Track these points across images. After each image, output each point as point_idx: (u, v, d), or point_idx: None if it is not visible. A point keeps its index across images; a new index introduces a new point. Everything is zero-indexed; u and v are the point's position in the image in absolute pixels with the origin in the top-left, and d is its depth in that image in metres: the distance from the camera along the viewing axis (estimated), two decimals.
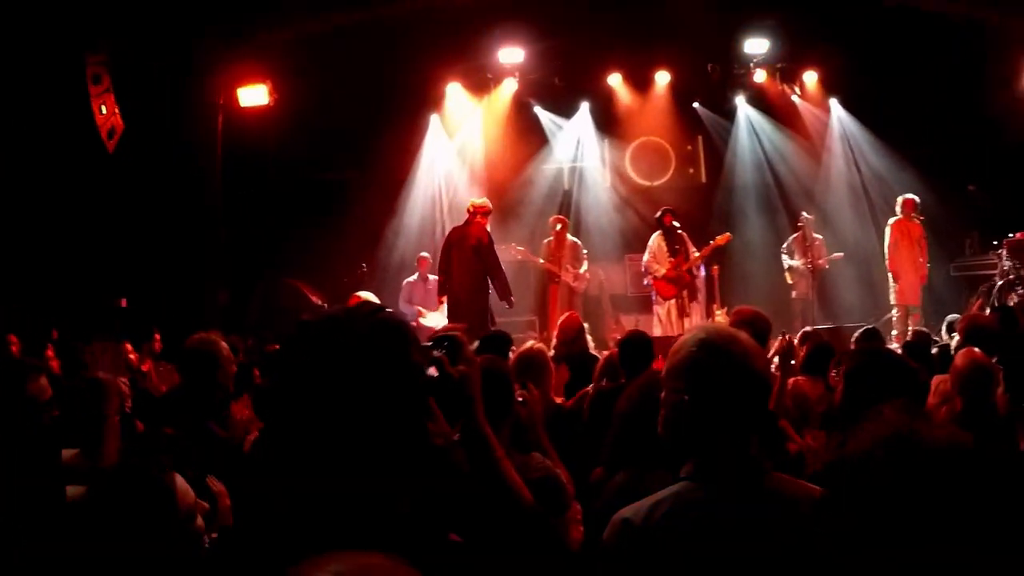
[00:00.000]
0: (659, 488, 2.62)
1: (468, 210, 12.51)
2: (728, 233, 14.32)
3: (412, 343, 1.90)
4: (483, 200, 12.77)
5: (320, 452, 1.78)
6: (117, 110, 12.28)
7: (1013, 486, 1.69)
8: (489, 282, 12.17)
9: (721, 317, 14.21)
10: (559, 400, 6.31)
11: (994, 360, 4.45)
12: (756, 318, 5.84)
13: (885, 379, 3.64)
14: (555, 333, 8.36)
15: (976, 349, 5.01)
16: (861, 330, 7.95)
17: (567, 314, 9.08)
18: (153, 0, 12.31)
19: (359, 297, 13.79)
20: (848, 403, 3.74)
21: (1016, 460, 2.64)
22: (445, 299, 12.54)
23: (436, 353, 2.16)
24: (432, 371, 2.09)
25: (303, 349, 1.86)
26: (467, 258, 12.13)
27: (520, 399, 4.15)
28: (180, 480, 3.37)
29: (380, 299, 14.12)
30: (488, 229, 12.51)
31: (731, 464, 2.53)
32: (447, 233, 12.98)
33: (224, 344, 4.96)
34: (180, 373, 5.31)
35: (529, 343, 6.37)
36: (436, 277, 14.35)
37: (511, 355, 6.22)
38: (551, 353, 7.91)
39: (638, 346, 5.79)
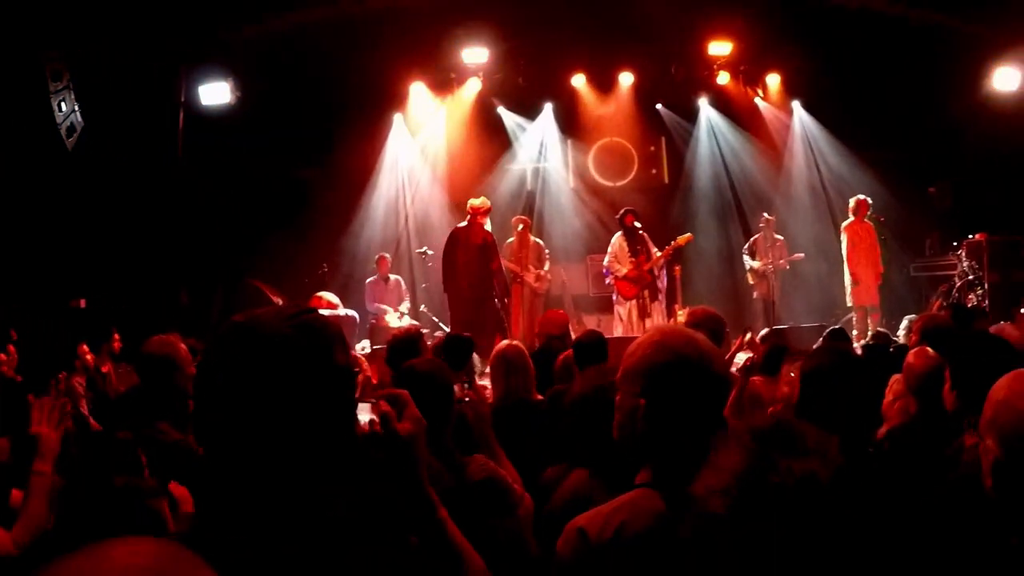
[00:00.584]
0: (608, 489, 2.59)
1: (468, 211, 13.03)
2: (690, 234, 14.37)
3: (336, 344, 1.87)
4: (481, 200, 13.25)
5: (242, 451, 1.78)
6: (77, 107, 12.17)
7: (864, 522, 1.69)
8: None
9: (683, 317, 14.24)
10: (539, 397, 6.29)
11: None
12: (710, 318, 5.86)
13: (841, 379, 3.66)
14: (537, 329, 8.33)
15: (929, 348, 5.02)
16: (828, 330, 8.00)
17: (553, 311, 9.08)
18: None
19: (320, 297, 13.84)
20: (805, 403, 3.76)
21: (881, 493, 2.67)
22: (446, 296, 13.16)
23: (384, 407, 2.15)
24: (376, 427, 2.09)
25: (225, 350, 1.84)
26: (474, 256, 12.80)
27: (466, 399, 4.16)
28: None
29: (342, 299, 14.12)
30: (489, 228, 13.10)
31: (691, 470, 2.41)
32: (451, 232, 13.31)
33: (183, 346, 4.90)
34: (138, 375, 5.25)
35: (505, 342, 6.33)
36: (396, 277, 14.41)
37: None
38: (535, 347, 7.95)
39: (591, 346, 5.80)
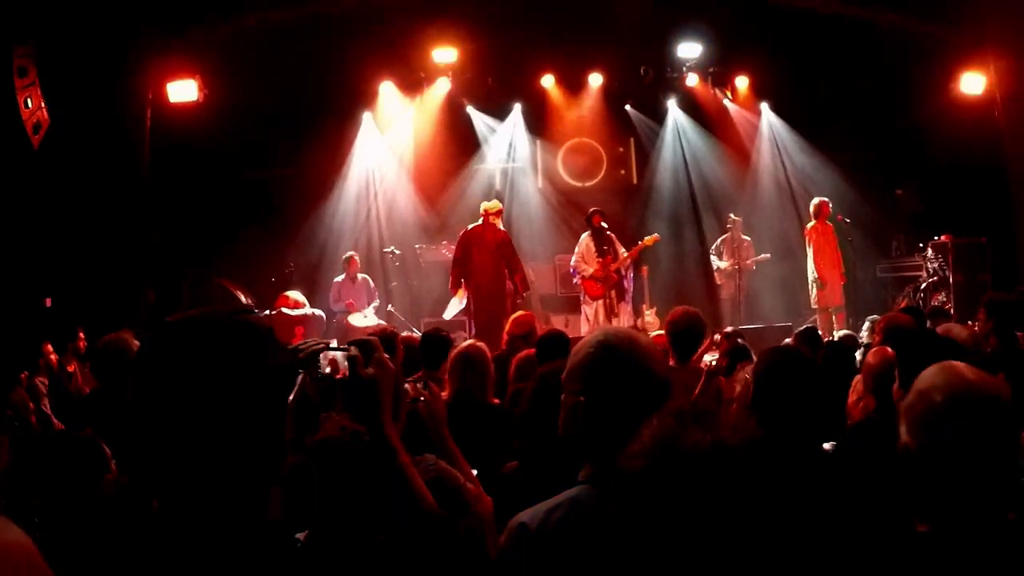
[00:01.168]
0: (557, 484, 2.62)
1: (481, 213, 13.40)
2: (656, 234, 14.46)
3: (269, 345, 1.90)
4: (493, 203, 13.70)
5: (172, 447, 1.80)
6: (43, 104, 12.08)
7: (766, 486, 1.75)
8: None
9: (651, 317, 14.38)
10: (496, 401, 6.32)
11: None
12: (689, 318, 5.94)
13: (791, 379, 3.70)
14: (507, 329, 8.36)
15: (888, 348, 5.08)
16: (799, 330, 8.05)
17: (521, 312, 9.11)
18: None
19: (287, 296, 13.83)
20: (758, 402, 3.80)
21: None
22: (462, 291, 13.54)
23: (352, 351, 2.31)
24: (343, 371, 2.13)
25: (157, 348, 1.87)
26: (489, 254, 13.20)
27: (421, 398, 4.16)
28: None
29: (310, 298, 14.10)
30: (503, 227, 13.61)
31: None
32: (463, 233, 13.56)
33: (133, 343, 4.89)
34: (92, 374, 5.24)
35: (468, 341, 6.37)
36: (364, 276, 14.41)
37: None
38: (502, 350, 7.98)
39: (554, 345, 5.81)
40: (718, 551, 1.74)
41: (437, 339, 6.57)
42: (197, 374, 1.78)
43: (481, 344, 6.19)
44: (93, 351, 4.98)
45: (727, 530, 1.72)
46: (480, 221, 13.46)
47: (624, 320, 13.73)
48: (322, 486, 2.29)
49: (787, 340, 7.75)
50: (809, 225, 14.74)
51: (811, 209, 14.77)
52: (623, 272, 14.04)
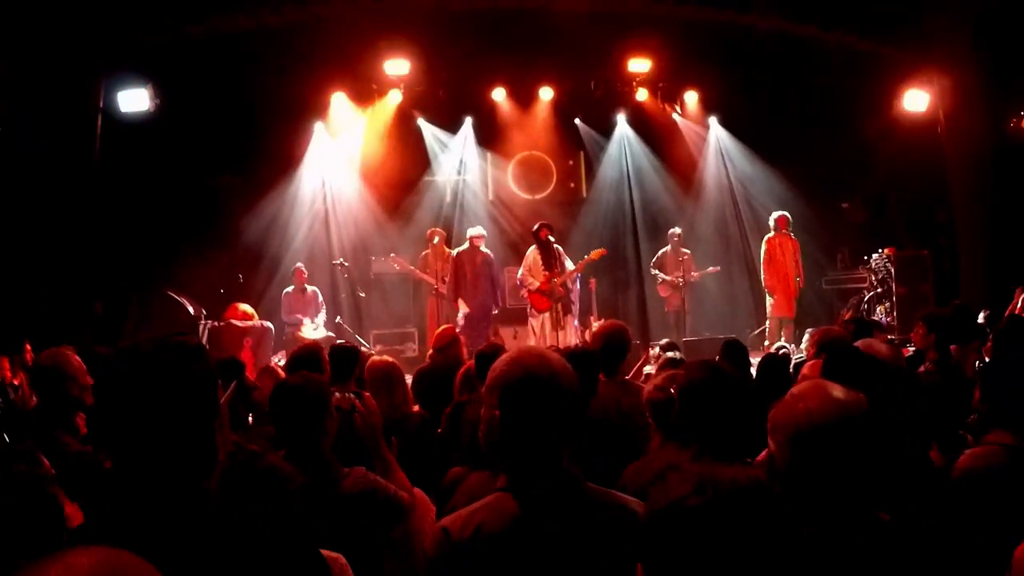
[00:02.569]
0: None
1: (470, 239, 14.57)
2: (603, 248, 14.57)
3: (196, 360, 2.24)
4: (477, 229, 14.90)
5: (126, 450, 2.19)
6: None
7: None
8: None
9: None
10: (416, 409, 6.40)
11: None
12: (614, 332, 6.03)
13: (714, 394, 3.80)
14: (431, 342, 8.53)
15: (821, 363, 5.18)
16: (724, 342, 8.17)
17: (444, 327, 9.21)
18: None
19: (236, 308, 13.78)
20: (681, 417, 3.89)
21: None
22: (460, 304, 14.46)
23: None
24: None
25: (109, 369, 2.25)
26: (480, 274, 14.44)
27: (359, 410, 4.25)
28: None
29: (261, 309, 14.07)
30: (486, 250, 14.67)
31: (540, 475, 2.65)
32: (456, 256, 14.63)
33: (75, 358, 4.93)
34: (32, 389, 5.29)
35: (376, 356, 6.45)
36: (313, 288, 14.41)
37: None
38: (427, 363, 8.06)
39: (490, 359, 5.86)
40: None
41: (345, 351, 6.56)
42: (140, 385, 2.16)
43: (388, 358, 6.32)
44: (32, 366, 5.04)
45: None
46: (467, 245, 14.55)
47: (570, 333, 13.86)
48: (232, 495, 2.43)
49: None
50: (767, 236, 14.96)
51: (771, 222, 14.99)
52: (569, 286, 14.16)
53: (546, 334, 13.86)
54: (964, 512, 3.41)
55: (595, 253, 14.24)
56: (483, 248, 14.60)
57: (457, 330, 13.80)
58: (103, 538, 2.00)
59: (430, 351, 8.57)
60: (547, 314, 13.99)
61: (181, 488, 2.16)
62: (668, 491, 1.90)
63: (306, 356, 5.92)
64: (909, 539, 2.45)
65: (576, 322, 14.24)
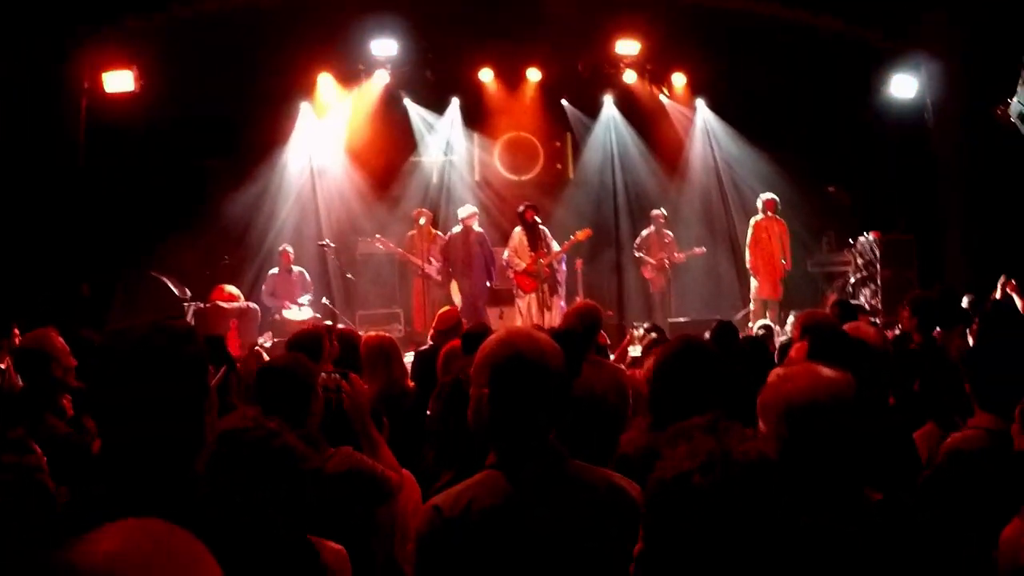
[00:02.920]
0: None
1: (462, 221, 14.75)
2: (588, 229, 14.61)
3: (186, 343, 2.30)
4: (467, 208, 15.03)
5: (121, 428, 2.23)
6: None
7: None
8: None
9: None
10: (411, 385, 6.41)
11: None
12: (586, 312, 6.05)
13: (691, 372, 3.79)
14: (433, 324, 8.51)
15: (807, 345, 5.19)
16: (715, 324, 8.19)
17: (446, 308, 9.20)
18: None
19: (222, 288, 13.75)
20: (657, 394, 3.88)
21: None
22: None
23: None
24: None
25: (104, 352, 2.35)
26: (474, 253, 14.61)
27: (345, 390, 4.25)
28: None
29: (247, 291, 14.04)
30: (478, 228, 14.85)
31: (529, 453, 2.69)
32: (447, 241, 14.93)
33: (58, 340, 4.93)
34: (16, 372, 5.29)
35: (374, 332, 6.45)
36: (299, 269, 14.38)
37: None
38: (428, 343, 8.07)
39: (479, 339, 5.86)
40: None
41: (310, 336, 6.52)
42: (134, 366, 2.22)
43: (385, 333, 6.31)
44: (15, 350, 5.03)
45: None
46: (460, 228, 14.73)
47: (556, 313, 13.89)
48: (223, 471, 2.44)
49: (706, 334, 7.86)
50: (755, 218, 14.99)
51: (759, 204, 15.02)
52: (555, 266, 14.20)
53: (532, 315, 13.96)
54: (950, 496, 3.43)
55: (581, 233, 14.29)
56: (475, 227, 14.75)
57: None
58: (86, 519, 2.05)
59: (431, 332, 8.56)
60: (533, 295, 14.13)
61: (170, 470, 2.20)
62: (675, 463, 1.90)
63: (305, 340, 5.89)
64: (900, 527, 2.47)
65: (563, 303, 14.28)
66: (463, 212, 14.85)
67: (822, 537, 2.33)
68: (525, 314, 14.11)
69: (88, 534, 1.37)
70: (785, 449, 2.46)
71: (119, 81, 13.61)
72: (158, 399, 2.20)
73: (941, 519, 3.22)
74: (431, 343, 8.15)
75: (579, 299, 14.40)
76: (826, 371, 2.56)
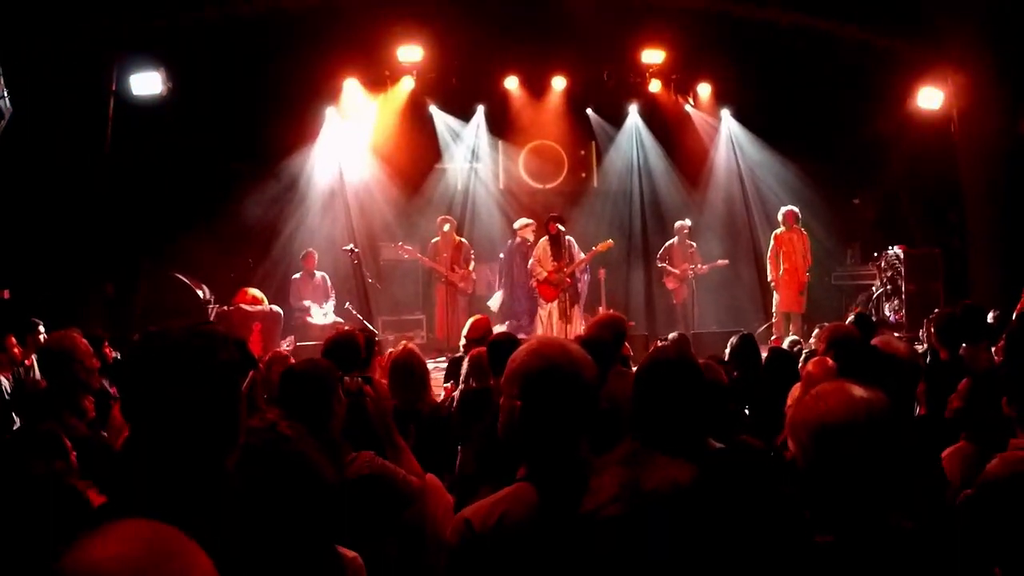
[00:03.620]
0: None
1: (519, 232, 15.08)
2: (610, 240, 14.62)
3: (221, 348, 2.32)
4: (519, 222, 15.26)
5: (155, 430, 2.26)
6: (5, 94, 12.00)
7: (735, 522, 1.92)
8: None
9: None
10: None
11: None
12: (611, 323, 6.02)
13: (669, 385, 3.70)
14: (464, 332, 8.54)
15: (829, 359, 5.18)
16: (736, 337, 8.16)
17: (478, 316, 9.19)
18: None
19: (246, 292, 13.78)
20: (637, 408, 3.79)
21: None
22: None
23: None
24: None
25: (137, 354, 2.32)
26: (525, 262, 14.75)
27: (368, 394, 4.26)
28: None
29: (270, 294, 14.06)
30: (529, 238, 15.00)
31: (560, 465, 2.66)
32: (511, 246, 15.35)
33: (81, 341, 4.95)
34: (40, 371, 5.32)
35: (401, 344, 6.44)
36: (322, 274, 14.41)
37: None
38: (460, 352, 8.09)
39: (505, 347, 5.87)
40: None
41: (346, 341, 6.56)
42: (168, 371, 2.25)
43: (412, 346, 6.31)
44: (40, 349, 5.06)
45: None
46: (518, 240, 15.12)
47: (576, 323, 13.92)
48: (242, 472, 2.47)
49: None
50: (777, 231, 14.93)
51: (779, 217, 14.96)
52: (577, 276, 14.23)
53: (553, 324, 13.99)
54: (995, 520, 3.35)
55: (602, 245, 14.28)
56: (527, 236, 14.97)
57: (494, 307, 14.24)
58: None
59: (463, 340, 8.58)
60: (554, 304, 14.11)
61: (202, 472, 2.23)
62: (593, 496, 1.91)
63: (342, 342, 5.92)
64: (931, 548, 2.43)
65: (583, 313, 14.29)
66: (518, 225, 15.07)
67: (847, 561, 2.32)
68: (546, 323, 14.13)
69: (83, 539, 1.41)
70: (812, 469, 2.42)
71: (146, 83, 13.65)
72: (194, 402, 2.23)
73: (979, 543, 3.17)
74: (463, 350, 8.16)
75: (601, 309, 14.40)
76: (859, 390, 2.50)
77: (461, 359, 7.41)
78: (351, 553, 2.93)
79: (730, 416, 4.76)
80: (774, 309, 15.10)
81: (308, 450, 2.66)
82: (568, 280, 14.11)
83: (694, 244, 15.67)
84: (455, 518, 2.76)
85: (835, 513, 2.37)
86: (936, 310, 8.20)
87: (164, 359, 2.26)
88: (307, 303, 14.37)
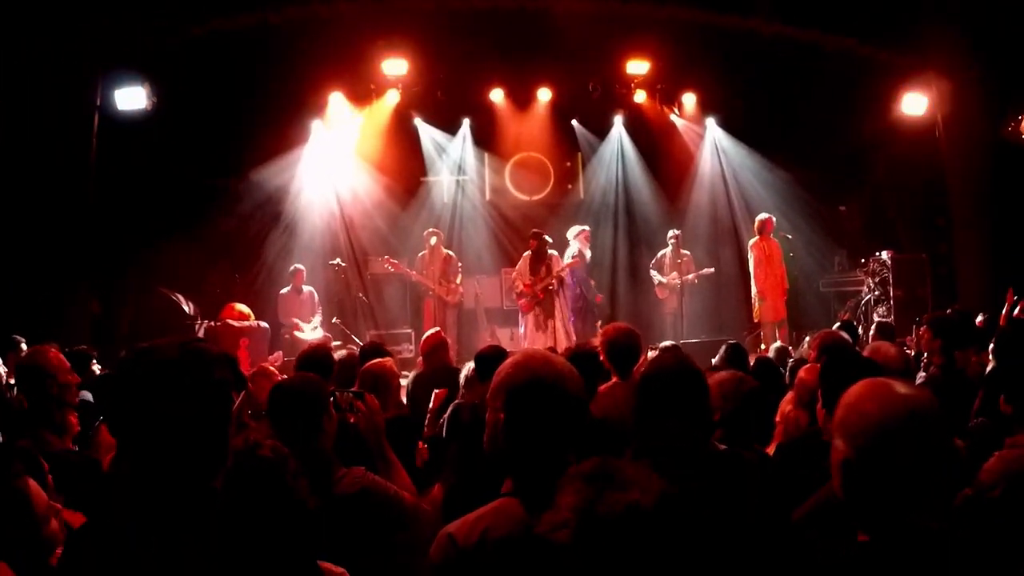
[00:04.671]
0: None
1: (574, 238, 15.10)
2: (575, 259, 14.68)
3: (215, 365, 2.33)
4: (575, 230, 15.21)
5: (143, 447, 2.27)
6: None
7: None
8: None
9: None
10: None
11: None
12: (626, 335, 5.99)
13: (669, 392, 3.67)
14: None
15: (820, 365, 5.14)
16: (726, 347, 8.13)
17: (430, 331, 9.15)
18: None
19: (233, 307, 13.74)
20: (638, 414, 3.77)
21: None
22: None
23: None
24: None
25: (127, 370, 2.33)
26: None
27: (359, 410, 4.22)
28: (33, 484, 3.35)
29: (256, 309, 14.00)
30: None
31: (546, 480, 2.54)
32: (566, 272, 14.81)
33: (54, 356, 4.87)
34: (17, 388, 5.26)
35: (377, 359, 6.42)
36: (309, 289, 14.38)
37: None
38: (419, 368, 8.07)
39: (490, 361, 5.84)
40: None
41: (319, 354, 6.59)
42: (159, 388, 2.24)
43: (386, 360, 6.28)
44: (16, 366, 5.00)
45: None
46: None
47: (552, 336, 14.11)
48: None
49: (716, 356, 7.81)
50: (752, 240, 14.90)
51: (755, 225, 14.93)
52: (556, 287, 14.30)
53: (528, 335, 14.30)
54: (1000, 516, 3.31)
55: (568, 264, 14.45)
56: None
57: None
58: (105, 538, 2.10)
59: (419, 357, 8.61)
60: (531, 316, 14.28)
61: (190, 490, 2.24)
62: (550, 515, 1.92)
63: (315, 357, 5.92)
64: (965, 549, 2.39)
65: (562, 324, 14.34)
66: (570, 233, 15.19)
67: (884, 560, 2.29)
68: (523, 335, 14.45)
69: None
70: (867, 469, 2.36)
71: (131, 98, 13.61)
72: (185, 420, 2.23)
73: (990, 541, 3.12)
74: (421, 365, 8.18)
75: (599, 323, 14.42)
76: (901, 387, 2.42)
77: (420, 374, 7.45)
78: (338, 569, 2.88)
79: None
80: (757, 318, 15.04)
81: (286, 473, 2.60)
82: (540, 295, 14.26)
83: (687, 253, 15.60)
84: (439, 533, 2.71)
85: (877, 513, 2.34)
86: (931, 315, 8.17)
87: (156, 376, 2.25)
88: (294, 320, 14.30)
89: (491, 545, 2.55)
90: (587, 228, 15.27)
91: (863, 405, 2.38)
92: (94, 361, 8.90)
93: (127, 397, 2.27)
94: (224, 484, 2.38)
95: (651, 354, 9.14)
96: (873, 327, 9.91)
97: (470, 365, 6.36)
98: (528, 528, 2.50)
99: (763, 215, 14.95)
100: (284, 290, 14.57)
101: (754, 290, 14.77)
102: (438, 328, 9.73)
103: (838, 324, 9.40)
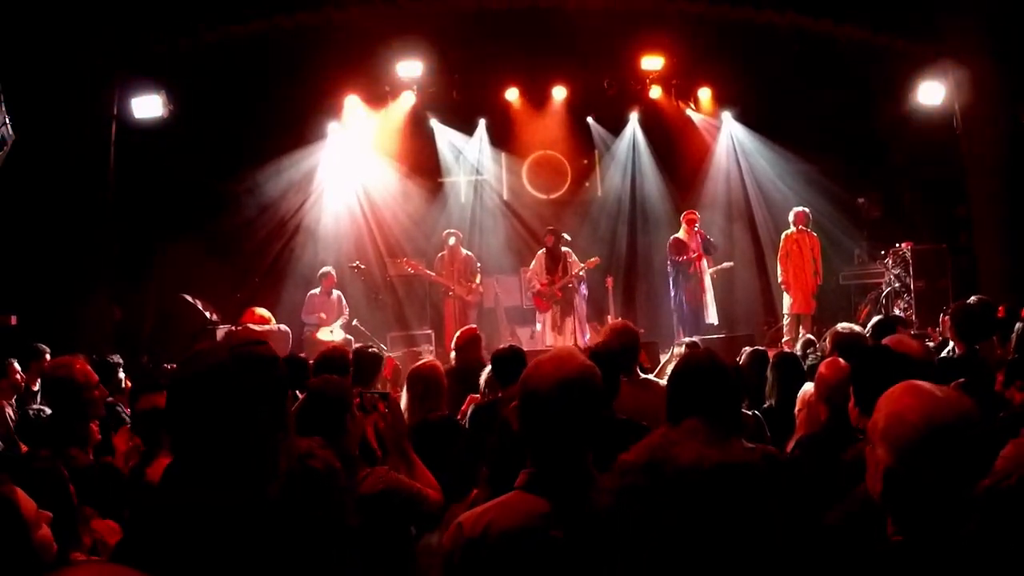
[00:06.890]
0: None
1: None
2: (596, 258, 14.71)
3: (272, 367, 2.34)
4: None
5: (201, 449, 2.25)
6: (7, 120, 12.00)
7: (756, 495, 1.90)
8: None
9: None
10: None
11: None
12: (624, 332, 5.99)
13: (700, 384, 3.69)
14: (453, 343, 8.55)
15: (841, 360, 5.13)
16: (747, 353, 8.08)
17: (465, 327, 9.16)
18: (45, 8, 12.08)
19: (253, 312, 13.78)
20: (671, 405, 3.80)
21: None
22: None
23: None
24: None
25: (184, 376, 2.32)
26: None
27: (381, 411, 4.24)
28: (21, 492, 3.37)
29: (276, 312, 14.04)
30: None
31: (560, 476, 2.68)
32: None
33: (80, 367, 4.84)
34: (43, 399, 5.26)
35: (425, 358, 6.46)
36: (338, 293, 14.41)
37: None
38: (451, 364, 8.08)
39: (509, 360, 5.88)
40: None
41: (369, 356, 6.71)
42: (216, 391, 2.24)
43: (434, 361, 6.34)
44: (42, 376, 4.99)
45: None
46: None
47: (567, 335, 14.15)
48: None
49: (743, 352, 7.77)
50: (787, 232, 14.85)
51: (790, 217, 14.88)
52: (573, 286, 14.31)
53: (545, 335, 14.34)
54: (1016, 505, 3.29)
55: (590, 262, 14.46)
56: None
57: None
58: (145, 554, 2.08)
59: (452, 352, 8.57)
60: (548, 315, 14.35)
61: (244, 496, 2.22)
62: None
63: (332, 358, 5.97)
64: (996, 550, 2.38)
65: (577, 324, 14.37)
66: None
67: (918, 561, 2.30)
68: (540, 334, 14.49)
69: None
70: (908, 471, 2.36)
71: (148, 106, 13.68)
72: (239, 423, 2.22)
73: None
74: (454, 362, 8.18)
75: (610, 318, 14.37)
76: (937, 391, 2.41)
77: (455, 370, 7.44)
78: None
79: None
80: (785, 311, 15.00)
81: (334, 491, 2.63)
82: (559, 294, 14.28)
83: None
84: (452, 523, 2.81)
85: (917, 517, 2.34)
86: (953, 306, 8.12)
87: (210, 381, 2.24)
88: (319, 317, 14.36)
89: (493, 536, 2.63)
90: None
91: (905, 415, 2.36)
92: (120, 369, 8.96)
93: (181, 405, 2.27)
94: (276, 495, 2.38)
95: (676, 351, 9.12)
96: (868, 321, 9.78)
97: (489, 368, 6.37)
98: (534, 521, 2.63)
99: (797, 208, 14.91)
100: (314, 290, 14.65)
101: (781, 282, 14.76)
102: (474, 325, 9.78)
103: (872, 324, 9.32)
